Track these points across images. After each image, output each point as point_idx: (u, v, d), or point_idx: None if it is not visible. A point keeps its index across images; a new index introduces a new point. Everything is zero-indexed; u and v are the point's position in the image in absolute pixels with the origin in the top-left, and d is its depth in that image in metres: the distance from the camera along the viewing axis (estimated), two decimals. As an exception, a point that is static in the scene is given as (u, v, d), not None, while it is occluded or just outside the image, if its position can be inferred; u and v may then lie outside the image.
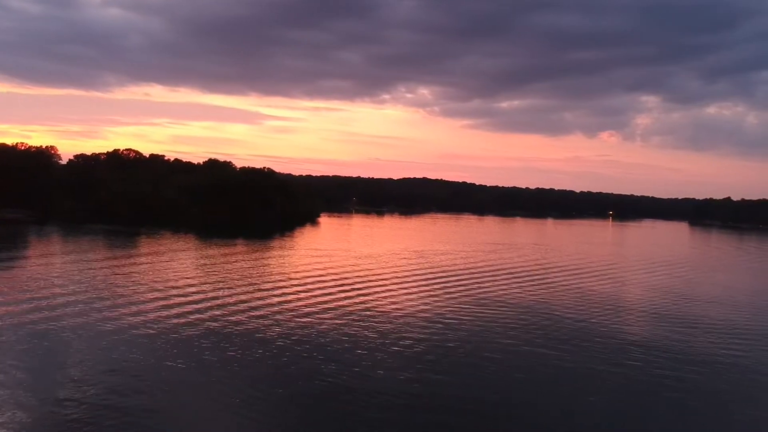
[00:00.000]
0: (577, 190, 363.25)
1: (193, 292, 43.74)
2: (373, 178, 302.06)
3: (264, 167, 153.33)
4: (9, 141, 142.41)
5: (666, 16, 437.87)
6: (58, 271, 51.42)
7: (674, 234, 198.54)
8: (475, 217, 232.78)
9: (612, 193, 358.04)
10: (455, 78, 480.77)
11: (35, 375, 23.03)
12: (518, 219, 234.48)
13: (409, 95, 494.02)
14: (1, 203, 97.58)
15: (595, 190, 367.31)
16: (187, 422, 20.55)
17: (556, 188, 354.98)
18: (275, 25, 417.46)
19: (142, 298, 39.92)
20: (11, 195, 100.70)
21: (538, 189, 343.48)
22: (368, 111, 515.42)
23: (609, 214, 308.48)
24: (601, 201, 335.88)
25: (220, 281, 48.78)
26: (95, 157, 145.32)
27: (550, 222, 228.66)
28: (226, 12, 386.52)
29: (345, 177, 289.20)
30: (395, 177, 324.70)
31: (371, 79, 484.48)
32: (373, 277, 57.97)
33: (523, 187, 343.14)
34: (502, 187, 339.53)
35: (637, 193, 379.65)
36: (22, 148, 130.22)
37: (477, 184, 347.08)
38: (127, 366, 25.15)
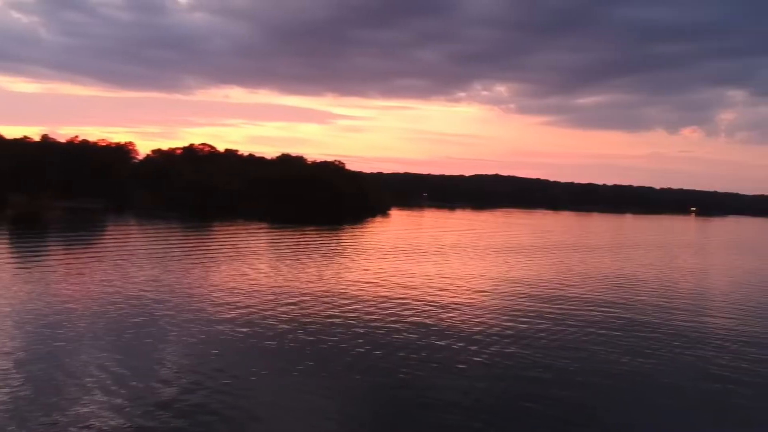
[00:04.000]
0: (657, 187, 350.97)
1: (271, 285, 42.62)
2: (444, 175, 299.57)
3: (335, 160, 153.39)
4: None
5: (757, 5, 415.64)
6: (129, 260, 51.70)
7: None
8: (550, 211, 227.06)
9: (694, 190, 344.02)
10: (533, 74, 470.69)
11: (119, 371, 22.01)
12: (595, 214, 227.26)
13: (485, 93, 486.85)
14: (81, 194, 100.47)
15: (675, 186, 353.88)
16: (272, 420, 19.14)
17: (635, 185, 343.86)
18: (353, 26, 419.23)
19: (219, 290, 38.73)
20: (91, 186, 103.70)
21: (615, 185, 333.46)
22: (441, 109, 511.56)
23: (691, 211, 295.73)
24: (682, 197, 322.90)
25: (295, 273, 47.33)
26: (171, 152, 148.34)
27: (629, 217, 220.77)
28: (307, 15, 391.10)
29: (416, 174, 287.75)
30: (466, 174, 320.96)
31: (447, 77, 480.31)
32: (460, 272, 56.21)
33: (600, 183, 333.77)
34: (578, 183, 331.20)
35: (721, 189, 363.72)
36: (103, 144, 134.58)
37: (551, 180, 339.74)
38: (210, 361, 23.89)
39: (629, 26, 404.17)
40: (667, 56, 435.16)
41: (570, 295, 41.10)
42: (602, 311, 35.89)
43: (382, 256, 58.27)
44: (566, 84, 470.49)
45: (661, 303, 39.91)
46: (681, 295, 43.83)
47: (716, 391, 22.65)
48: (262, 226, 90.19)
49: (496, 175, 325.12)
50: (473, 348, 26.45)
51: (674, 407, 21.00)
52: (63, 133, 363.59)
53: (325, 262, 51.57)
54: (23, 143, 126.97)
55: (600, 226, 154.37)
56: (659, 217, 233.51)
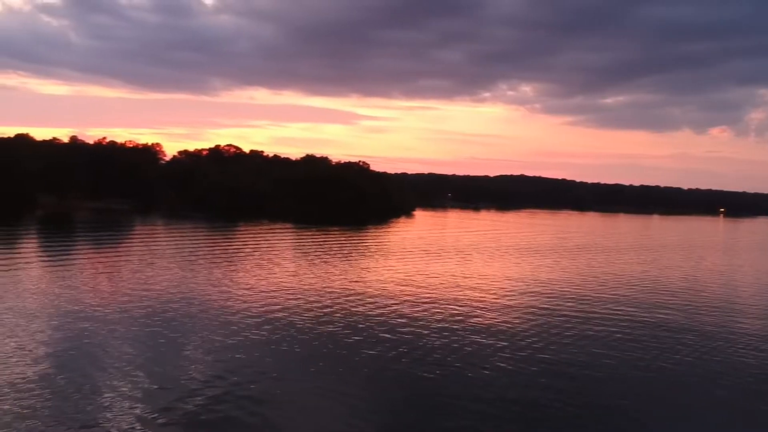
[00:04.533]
0: (685, 187, 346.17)
1: (295, 285, 42.79)
2: (468, 175, 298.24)
3: (359, 161, 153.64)
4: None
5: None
6: (156, 260, 52.19)
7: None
8: (576, 212, 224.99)
9: (722, 190, 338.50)
10: (558, 74, 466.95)
11: (145, 368, 22.37)
12: (621, 215, 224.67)
13: (510, 93, 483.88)
14: (109, 194, 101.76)
15: (703, 187, 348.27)
16: (297, 420, 19.23)
17: (662, 185, 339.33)
18: (376, 26, 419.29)
19: (244, 289, 39.08)
20: (119, 187, 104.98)
21: (642, 186, 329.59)
22: (465, 109, 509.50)
23: (720, 211, 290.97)
24: (710, 198, 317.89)
25: (319, 273, 47.62)
26: (197, 153, 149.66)
27: (656, 218, 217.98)
28: (330, 16, 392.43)
29: (440, 174, 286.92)
30: (491, 175, 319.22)
31: (471, 77, 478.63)
32: (485, 273, 56.00)
33: (627, 184, 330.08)
34: (604, 184, 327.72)
35: (750, 190, 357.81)
36: (130, 145, 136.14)
37: (577, 181, 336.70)
38: (234, 359, 24.05)
39: (654, 25, 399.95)
40: (692, 55, 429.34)
41: (597, 296, 40.67)
42: (629, 312, 35.47)
43: (407, 257, 58.22)
44: (591, 84, 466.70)
45: (689, 304, 39.33)
46: (709, 297, 43.14)
47: (746, 393, 22.28)
48: (287, 226, 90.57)
49: (521, 176, 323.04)
50: (499, 350, 26.27)
51: (702, 409, 20.71)
52: (91, 134, 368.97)
53: (349, 263, 51.65)
54: (53, 145, 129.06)
55: (626, 226, 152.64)
56: (687, 218, 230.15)
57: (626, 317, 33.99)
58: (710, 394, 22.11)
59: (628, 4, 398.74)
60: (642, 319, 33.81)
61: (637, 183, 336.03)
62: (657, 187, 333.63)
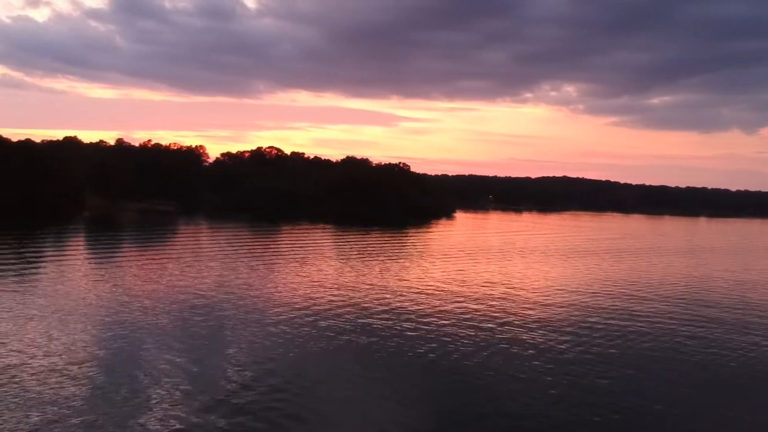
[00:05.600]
0: (733, 189, 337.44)
1: (334, 286, 42.71)
2: (509, 177, 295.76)
3: (400, 162, 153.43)
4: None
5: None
6: (199, 260, 52.74)
7: None
8: (620, 214, 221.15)
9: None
10: (602, 74, 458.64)
11: (189, 369, 22.33)
12: (666, 217, 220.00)
13: (553, 93, 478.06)
14: (154, 196, 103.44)
15: (753, 188, 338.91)
16: (333, 421, 19.08)
17: (709, 187, 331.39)
18: (417, 28, 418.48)
19: (284, 290, 39.19)
20: (163, 189, 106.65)
21: (688, 188, 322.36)
22: (506, 110, 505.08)
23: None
24: (760, 200, 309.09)
25: (359, 275, 47.43)
26: (240, 155, 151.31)
27: (703, 221, 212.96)
28: (373, 18, 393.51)
29: (480, 176, 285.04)
30: (533, 176, 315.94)
31: (513, 77, 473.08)
32: (527, 275, 55.33)
33: (672, 185, 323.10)
34: (648, 185, 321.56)
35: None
36: (175, 148, 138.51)
37: (621, 182, 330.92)
38: (273, 360, 23.97)
39: (703, 23, 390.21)
40: (742, 53, 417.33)
41: (643, 297, 39.77)
42: (675, 316, 34.58)
43: (446, 259, 57.79)
44: (636, 83, 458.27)
45: (736, 308, 38.12)
46: (759, 302, 41.81)
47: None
48: (327, 227, 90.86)
49: (564, 177, 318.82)
50: (542, 352, 25.73)
51: (748, 417, 19.96)
52: (137, 137, 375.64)
53: (389, 264, 51.42)
54: (100, 147, 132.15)
55: (673, 229, 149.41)
56: (735, 220, 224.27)
57: (672, 321, 33.10)
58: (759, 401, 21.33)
59: (676, 2, 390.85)
60: (687, 322, 32.92)
61: (682, 184, 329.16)
62: (704, 189, 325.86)
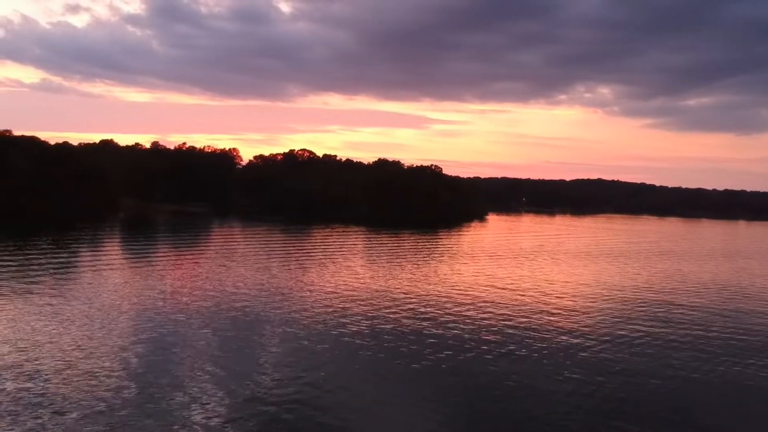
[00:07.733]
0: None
1: (366, 288, 42.47)
2: (542, 179, 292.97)
3: (432, 165, 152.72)
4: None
5: None
6: (232, 262, 52.89)
7: None
8: (656, 218, 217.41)
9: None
10: (638, 76, 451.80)
11: (222, 369, 22.31)
12: (704, 221, 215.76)
13: (587, 95, 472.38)
14: (188, 198, 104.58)
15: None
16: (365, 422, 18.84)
17: (748, 189, 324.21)
18: (450, 30, 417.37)
19: (316, 292, 38.94)
20: (197, 191, 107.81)
21: (726, 191, 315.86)
22: (539, 112, 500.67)
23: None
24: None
25: (391, 276, 47.27)
26: (272, 158, 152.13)
27: (742, 224, 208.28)
28: (405, 20, 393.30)
29: (513, 178, 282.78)
30: (567, 179, 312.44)
31: (547, 79, 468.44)
32: (561, 278, 54.52)
33: (709, 188, 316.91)
34: (685, 188, 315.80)
35: None
36: (209, 150, 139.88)
37: (657, 185, 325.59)
38: (305, 361, 23.90)
39: (741, 24, 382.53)
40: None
41: (677, 302, 38.84)
42: (711, 321, 33.65)
43: (479, 261, 57.19)
44: (673, 85, 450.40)
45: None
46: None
47: None
48: (360, 230, 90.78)
49: (598, 180, 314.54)
50: (575, 355, 25.20)
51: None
52: (172, 140, 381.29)
53: (421, 267, 51.06)
54: (135, 150, 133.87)
55: (711, 233, 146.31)
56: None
57: (707, 325, 32.21)
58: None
59: (713, 3, 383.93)
60: (724, 326, 31.97)
61: (720, 187, 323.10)
62: (743, 192, 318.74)
